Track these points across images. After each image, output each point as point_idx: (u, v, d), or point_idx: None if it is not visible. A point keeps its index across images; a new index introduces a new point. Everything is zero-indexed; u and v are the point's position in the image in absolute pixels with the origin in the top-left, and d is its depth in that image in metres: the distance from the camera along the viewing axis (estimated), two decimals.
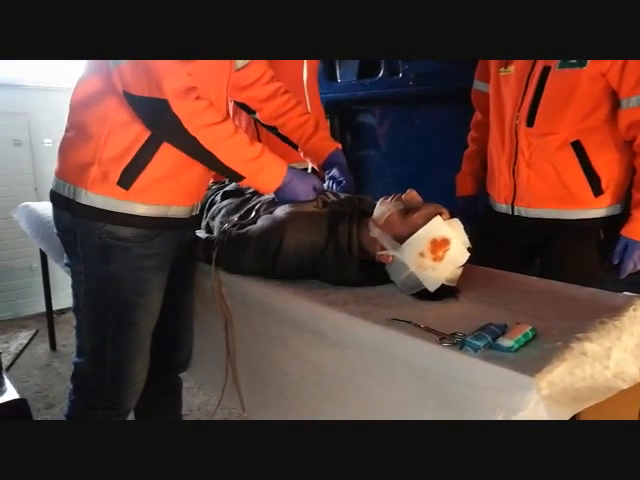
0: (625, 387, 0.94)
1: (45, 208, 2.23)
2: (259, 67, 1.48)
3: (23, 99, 3.10)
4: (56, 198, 1.26)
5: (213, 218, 1.59)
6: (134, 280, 1.26)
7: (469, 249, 1.18)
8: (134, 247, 1.24)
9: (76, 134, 1.23)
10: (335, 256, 1.27)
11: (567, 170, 1.57)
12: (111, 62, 1.13)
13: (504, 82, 1.67)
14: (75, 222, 1.23)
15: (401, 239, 1.18)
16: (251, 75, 1.48)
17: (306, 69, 2.02)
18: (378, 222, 1.25)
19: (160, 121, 1.14)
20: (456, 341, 0.94)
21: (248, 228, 1.37)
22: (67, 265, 1.32)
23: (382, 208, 1.26)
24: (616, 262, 1.55)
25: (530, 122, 1.59)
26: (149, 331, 1.33)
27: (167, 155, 1.20)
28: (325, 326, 1.14)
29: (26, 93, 3.11)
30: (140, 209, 1.23)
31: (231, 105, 1.90)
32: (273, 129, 1.57)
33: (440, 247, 1.15)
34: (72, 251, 1.27)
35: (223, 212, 1.58)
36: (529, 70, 1.59)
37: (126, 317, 1.27)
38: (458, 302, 1.17)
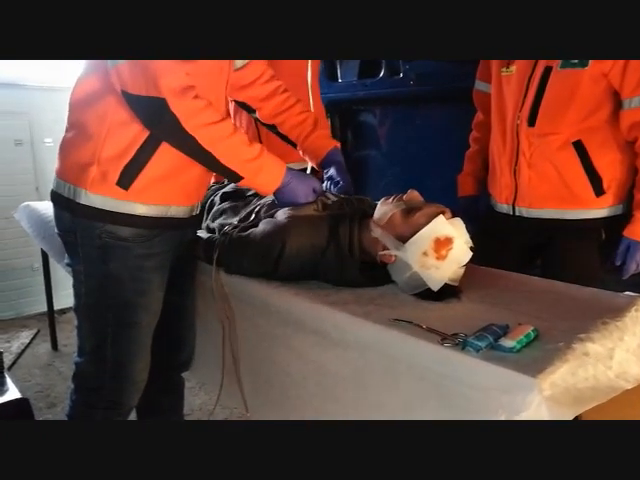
0: (628, 387, 0.94)
1: (46, 208, 2.23)
2: (258, 66, 1.48)
3: (24, 99, 3.10)
4: (56, 198, 1.26)
5: (213, 220, 1.59)
6: (134, 280, 1.25)
7: (471, 248, 1.18)
8: (134, 247, 1.24)
9: (76, 134, 1.23)
10: (336, 257, 1.27)
11: (568, 170, 1.57)
12: (109, 62, 1.12)
13: (505, 82, 1.67)
14: (75, 222, 1.23)
15: (404, 239, 1.18)
16: (250, 74, 1.48)
17: (310, 69, 2.02)
18: (380, 222, 1.25)
19: (158, 120, 1.14)
20: (458, 341, 0.94)
21: (250, 231, 1.36)
22: (68, 265, 1.32)
23: (384, 208, 1.26)
24: (618, 263, 1.55)
25: (531, 122, 1.59)
26: (150, 331, 1.32)
27: (166, 155, 1.20)
28: (327, 326, 1.14)
29: (27, 93, 3.10)
30: (140, 209, 1.23)
31: (232, 105, 1.90)
32: (272, 127, 1.57)
33: (443, 246, 1.15)
34: (73, 251, 1.27)
35: (223, 214, 1.58)
36: (531, 70, 1.58)
37: (126, 317, 1.27)
38: (460, 302, 1.17)
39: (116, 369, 1.29)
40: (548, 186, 1.60)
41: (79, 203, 1.21)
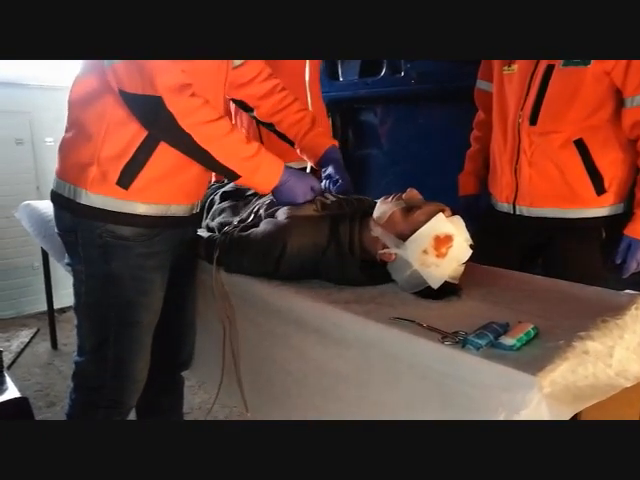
0: (628, 385, 0.94)
1: (47, 207, 2.23)
2: (256, 65, 1.48)
3: (24, 98, 3.10)
4: (57, 198, 1.26)
5: (213, 219, 1.59)
6: (135, 279, 1.25)
7: (471, 246, 1.18)
8: (135, 246, 1.24)
9: (75, 134, 1.22)
10: (337, 256, 1.27)
11: (570, 169, 1.57)
12: (105, 60, 1.12)
13: (507, 81, 1.66)
14: (76, 222, 1.23)
15: (404, 237, 1.18)
16: (248, 73, 1.48)
17: (308, 68, 2.02)
18: (380, 221, 1.25)
19: (155, 118, 1.14)
20: (458, 340, 0.94)
21: (251, 231, 1.36)
22: (68, 264, 1.32)
23: (383, 207, 1.26)
24: (619, 262, 1.55)
25: (533, 120, 1.58)
26: (150, 330, 1.33)
27: (166, 153, 1.20)
28: (328, 325, 1.14)
29: (27, 92, 3.10)
30: (140, 208, 1.23)
31: (233, 105, 1.90)
32: (270, 126, 1.57)
33: (443, 244, 1.15)
34: (73, 251, 1.28)
35: (222, 214, 1.58)
36: (532, 68, 1.58)
37: (128, 316, 1.27)
38: (460, 301, 1.17)
39: (117, 368, 1.29)
40: (549, 185, 1.60)
41: (79, 203, 1.21)
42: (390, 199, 1.26)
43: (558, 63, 1.53)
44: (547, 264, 1.72)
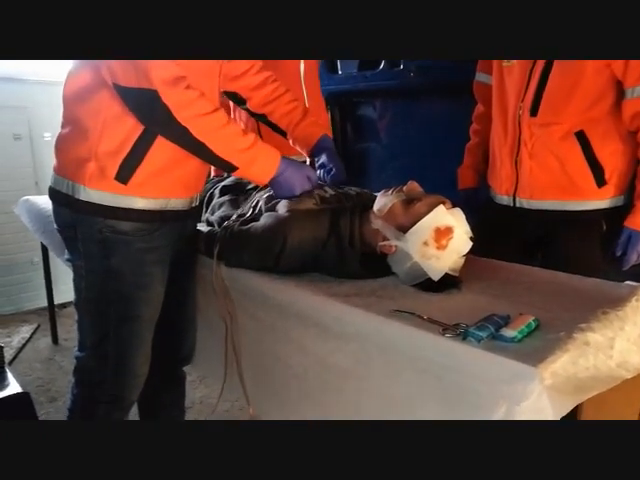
0: (629, 377, 0.94)
1: (46, 202, 2.22)
2: None
3: (22, 93, 3.09)
4: (55, 195, 1.26)
5: (212, 213, 1.59)
6: (135, 274, 1.25)
7: (471, 239, 1.18)
8: (135, 241, 1.24)
9: (71, 129, 1.22)
10: (337, 249, 1.27)
11: (570, 160, 1.56)
12: None
13: (507, 73, 1.66)
14: (75, 218, 1.23)
15: (404, 229, 1.18)
16: (243, 65, 1.48)
17: (303, 64, 2.02)
18: (380, 213, 1.25)
19: (150, 112, 1.13)
20: (459, 332, 0.94)
21: (251, 225, 1.36)
22: (68, 260, 1.32)
23: (383, 199, 1.26)
24: (619, 253, 1.54)
25: (534, 112, 1.58)
26: (151, 324, 1.32)
27: (164, 147, 1.19)
28: (328, 318, 1.14)
29: (26, 87, 3.09)
30: (140, 203, 1.22)
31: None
32: (262, 117, 1.57)
33: (444, 236, 1.15)
34: (73, 246, 1.27)
35: (222, 208, 1.57)
36: (533, 60, 1.57)
37: (128, 311, 1.27)
38: (461, 293, 1.17)
39: (118, 363, 1.29)
40: (549, 177, 1.59)
41: (78, 199, 1.20)
42: (390, 192, 1.26)
43: None
44: (547, 256, 1.71)
